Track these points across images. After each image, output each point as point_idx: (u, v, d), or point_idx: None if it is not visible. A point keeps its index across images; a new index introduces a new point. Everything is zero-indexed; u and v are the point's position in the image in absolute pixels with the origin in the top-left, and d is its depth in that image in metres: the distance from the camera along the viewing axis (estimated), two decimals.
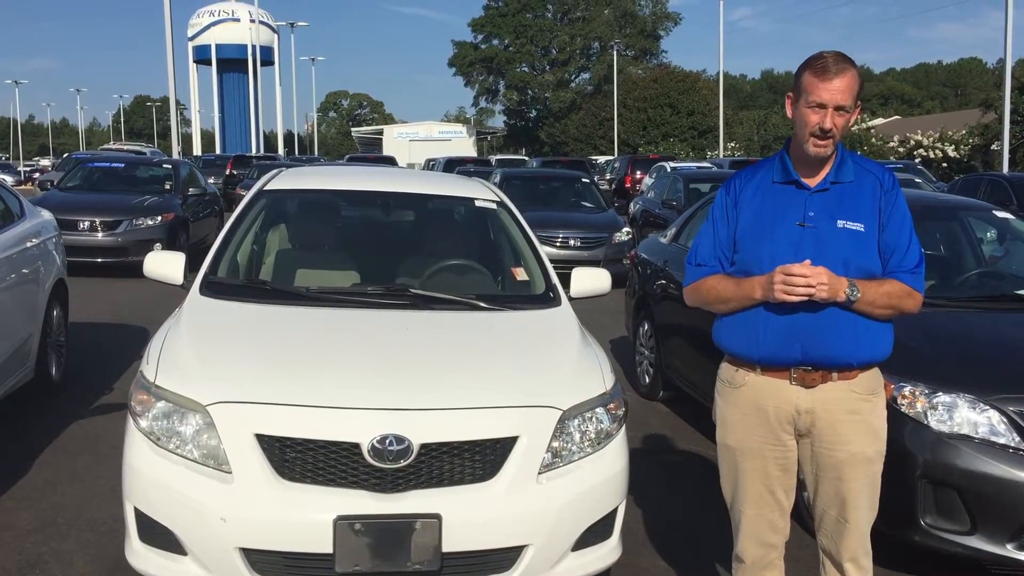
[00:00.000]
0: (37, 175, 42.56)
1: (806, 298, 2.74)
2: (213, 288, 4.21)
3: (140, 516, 3.28)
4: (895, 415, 3.96)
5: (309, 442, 3.17)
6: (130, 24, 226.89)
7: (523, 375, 3.61)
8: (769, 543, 3.06)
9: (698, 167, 23.61)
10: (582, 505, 3.38)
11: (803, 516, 4.04)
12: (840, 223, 2.84)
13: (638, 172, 27.83)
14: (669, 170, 19.88)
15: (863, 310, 2.81)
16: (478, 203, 5.11)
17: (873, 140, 42.37)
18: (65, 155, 41.20)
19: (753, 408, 2.95)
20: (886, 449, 3.88)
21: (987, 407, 3.89)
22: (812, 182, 2.90)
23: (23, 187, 37.73)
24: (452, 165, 27.45)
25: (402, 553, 3.11)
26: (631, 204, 20.30)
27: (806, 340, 2.82)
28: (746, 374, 2.96)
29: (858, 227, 2.84)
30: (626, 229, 14.19)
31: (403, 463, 3.15)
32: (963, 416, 3.90)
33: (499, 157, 41.56)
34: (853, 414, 2.89)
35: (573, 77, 78.83)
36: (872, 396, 2.92)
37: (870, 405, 2.92)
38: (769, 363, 2.90)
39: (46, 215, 7.29)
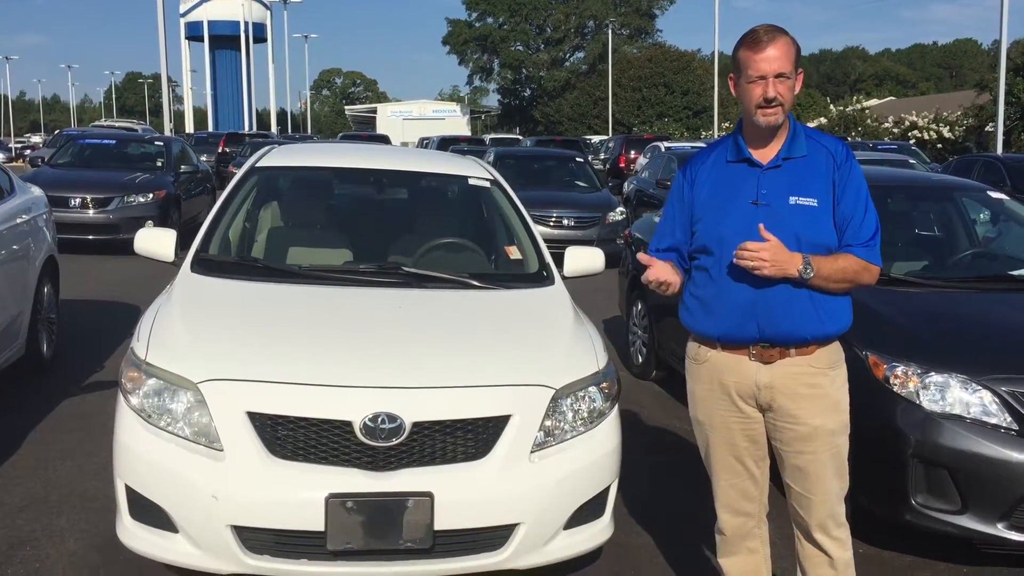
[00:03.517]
0: (28, 152, 42.33)
1: (755, 268, 2.76)
2: (204, 265, 4.18)
3: (131, 493, 3.28)
4: (887, 395, 3.98)
5: (301, 420, 3.16)
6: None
7: (516, 354, 3.61)
8: (744, 512, 3.12)
9: (692, 147, 23.54)
10: (574, 484, 3.38)
11: None
12: (792, 199, 2.86)
13: (632, 152, 27.73)
14: (663, 150, 19.79)
15: (818, 286, 2.83)
16: (472, 181, 5.08)
17: (868, 121, 42.32)
18: (56, 132, 40.96)
19: (716, 383, 3.01)
20: (878, 427, 3.91)
21: (979, 387, 3.89)
22: (764, 159, 2.91)
23: (14, 164, 37.49)
24: (446, 144, 27.34)
25: (394, 531, 3.11)
26: (625, 184, 20.28)
27: (762, 318, 2.86)
28: (708, 351, 3.02)
29: (811, 202, 2.85)
30: (620, 209, 14.18)
31: (395, 441, 3.14)
32: (955, 396, 3.90)
33: (493, 136, 41.42)
34: (813, 388, 2.91)
35: (568, 56, 78.49)
36: (831, 369, 2.95)
37: (829, 378, 2.94)
38: (728, 340, 2.95)
39: (36, 191, 7.24)
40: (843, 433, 2.98)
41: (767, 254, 2.75)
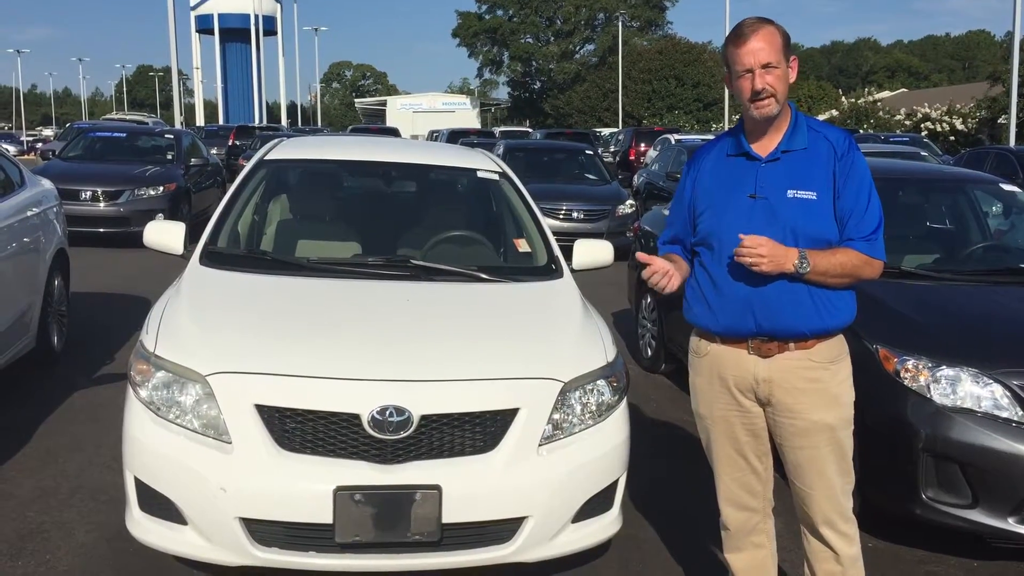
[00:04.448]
0: (40, 145, 42.46)
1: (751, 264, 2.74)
2: (213, 258, 4.19)
3: (140, 486, 3.29)
4: (898, 388, 3.96)
5: (309, 413, 3.17)
6: None
7: (524, 347, 3.60)
8: (748, 507, 3.10)
9: (703, 139, 23.47)
10: (582, 477, 3.37)
11: None
12: (790, 193, 2.82)
13: (642, 144, 27.69)
14: (673, 142, 19.74)
15: (816, 280, 2.80)
16: (480, 174, 5.07)
17: (880, 113, 42.12)
18: (67, 125, 41.10)
19: (715, 376, 3.00)
20: (888, 421, 3.89)
21: (990, 381, 3.87)
22: (764, 152, 2.89)
23: (26, 157, 37.63)
24: (455, 137, 27.31)
25: (402, 523, 3.11)
26: (635, 176, 20.22)
27: (759, 312, 2.84)
28: (708, 344, 3.01)
29: (810, 195, 2.81)
30: (629, 201, 14.14)
31: (403, 434, 3.14)
32: (966, 390, 3.88)
33: (503, 129, 41.36)
34: (812, 382, 2.88)
35: (578, 48, 78.29)
36: (831, 364, 2.91)
37: (829, 373, 2.90)
38: (727, 334, 2.93)
39: (47, 184, 7.26)
40: (845, 428, 2.93)
41: (764, 250, 2.73)
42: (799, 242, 2.79)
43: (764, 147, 2.90)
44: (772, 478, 3.11)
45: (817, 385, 2.88)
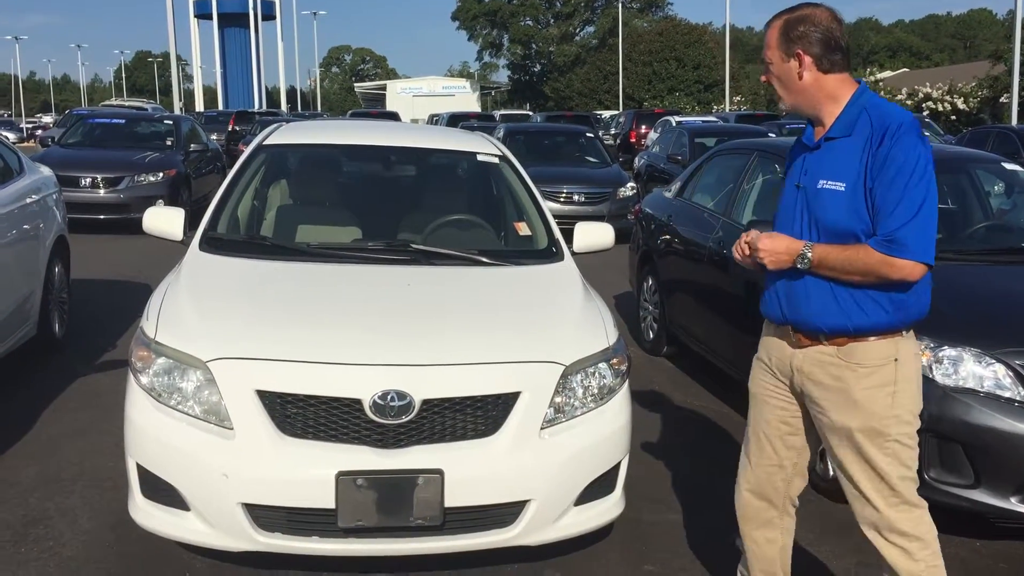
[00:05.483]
0: (39, 132, 42.38)
1: (751, 263, 2.83)
2: (213, 244, 4.18)
3: (142, 472, 3.29)
4: None
5: (310, 398, 3.16)
6: None
7: (525, 330, 3.59)
8: (764, 496, 3.04)
9: (703, 121, 23.39)
10: (584, 460, 3.37)
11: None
12: (821, 183, 2.75)
13: (643, 127, 27.60)
14: (674, 124, 19.66)
15: (829, 276, 2.71)
16: (480, 157, 5.05)
17: (881, 93, 42.00)
18: (66, 111, 41.01)
19: (765, 356, 3.01)
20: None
21: (993, 361, 3.86)
22: (816, 139, 2.86)
23: (25, 144, 37.56)
24: (456, 120, 27.21)
25: (404, 508, 3.11)
26: (636, 159, 20.18)
27: (783, 302, 2.85)
28: (766, 326, 3.03)
29: (838, 187, 2.71)
30: (630, 184, 14.10)
31: (405, 419, 3.14)
32: (968, 370, 3.87)
33: (503, 112, 41.23)
34: (834, 380, 2.77)
35: (578, 30, 78.01)
36: (861, 367, 2.73)
37: (855, 375, 2.74)
38: (770, 319, 2.95)
39: (46, 171, 7.24)
40: (869, 438, 2.73)
41: (761, 253, 2.75)
42: (820, 235, 2.74)
43: (818, 135, 2.84)
44: (796, 480, 3.03)
45: (838, 384, 2.77)
